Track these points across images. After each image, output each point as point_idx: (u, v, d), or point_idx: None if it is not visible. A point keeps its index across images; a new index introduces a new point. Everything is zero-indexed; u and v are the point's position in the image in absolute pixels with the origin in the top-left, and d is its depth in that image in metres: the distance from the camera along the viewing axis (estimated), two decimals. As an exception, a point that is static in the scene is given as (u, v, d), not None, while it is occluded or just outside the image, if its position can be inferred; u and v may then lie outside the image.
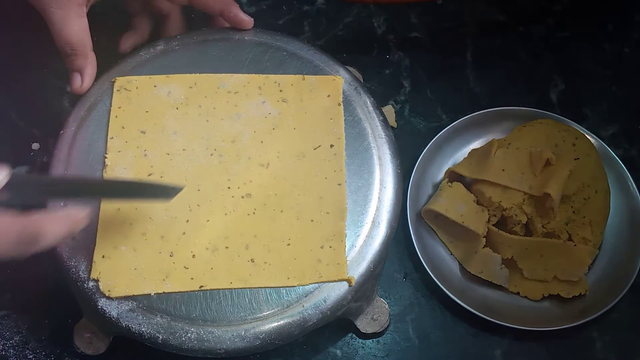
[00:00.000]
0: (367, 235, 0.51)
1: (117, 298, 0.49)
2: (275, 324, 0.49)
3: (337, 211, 0.52)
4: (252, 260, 0.50)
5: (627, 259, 0.59)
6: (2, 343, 0.57)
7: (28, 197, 0.45)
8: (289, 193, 0.52)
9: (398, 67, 0.71)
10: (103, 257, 0.49)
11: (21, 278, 0.60)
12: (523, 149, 0.60)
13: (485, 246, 0.58)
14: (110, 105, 0.55)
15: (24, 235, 0.42)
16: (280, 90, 0.56)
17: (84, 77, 0.55)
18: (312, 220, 0.51)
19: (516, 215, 0.58)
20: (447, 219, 0.59)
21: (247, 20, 0.59)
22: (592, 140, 0.63)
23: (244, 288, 0.49)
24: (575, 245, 0.58)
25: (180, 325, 0.48)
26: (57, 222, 0.44)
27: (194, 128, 0.55)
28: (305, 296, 0.49)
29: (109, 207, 0.51)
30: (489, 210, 0.59)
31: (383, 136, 0.55)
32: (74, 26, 0.53)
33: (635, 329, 0.59)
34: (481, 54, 0.72)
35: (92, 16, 0.53)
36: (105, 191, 0.51)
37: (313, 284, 0.50)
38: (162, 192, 0.51)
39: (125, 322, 0.49)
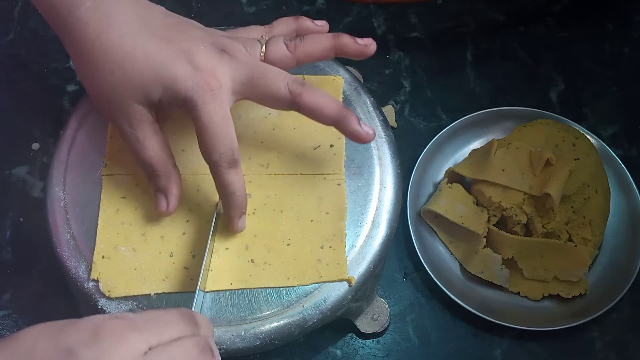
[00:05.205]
0: (367, 235, 0.51)
1: (117, 298, 0.49)
2: (275, 324, 0.49)
3: (337, 211, 0.52)
4: (252, 261, 0.50)
5: (627, 259, 0.59)
6: (2, 343, 0.57)
7: None
8: (289, 193, 0.52)
9: (398, 67, 0.71)
10: (103, 257, 0.49)
11: (21, 278, 0.60)
12: (523, 149, 0.60)
13: (485, 246, 0.58)
14: (110, 106, 0.55)
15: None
16: (280, 90, 0.56)
17: (169, 199, 0.49)
18: (311, 221, 0.51)
19: (516, 215, 0.58)
20: (447, 219, 0.59)
21: (366, 135, 0.49)
22: (592, 140, 0.63)
23: (244, 288, 0.49)
24: (575, 245, 0.58)
25: (180, 325, 0.48)
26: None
27: (193, 129, 0.54)
28: (305, 296, 0.49)
29: (108, 207, 0.51)
30: (488, 210, 0.59)
31: (383, 136, 0.55)
32: (151, 146, 0.48)
33: (635, 329, 0.59)
34: (481, 54, 0.71)
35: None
36: None
37: (313, 284, 0.50)
38: None
39: (125, 322, 0.48)
